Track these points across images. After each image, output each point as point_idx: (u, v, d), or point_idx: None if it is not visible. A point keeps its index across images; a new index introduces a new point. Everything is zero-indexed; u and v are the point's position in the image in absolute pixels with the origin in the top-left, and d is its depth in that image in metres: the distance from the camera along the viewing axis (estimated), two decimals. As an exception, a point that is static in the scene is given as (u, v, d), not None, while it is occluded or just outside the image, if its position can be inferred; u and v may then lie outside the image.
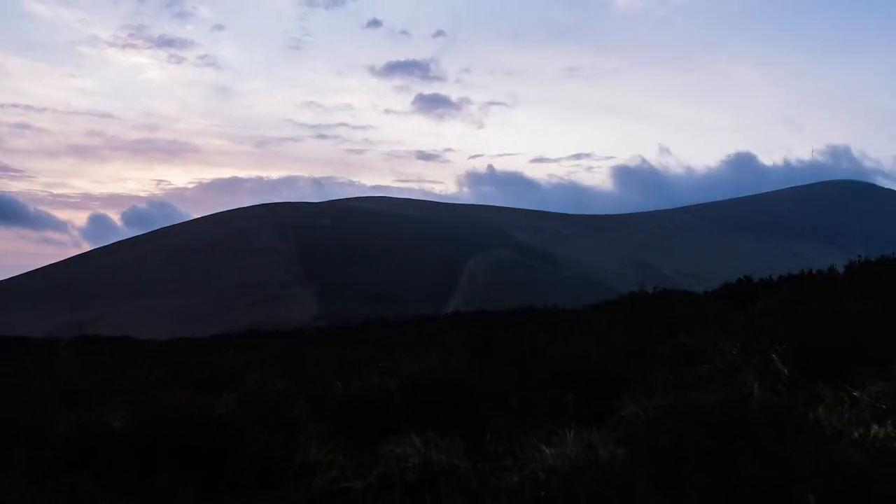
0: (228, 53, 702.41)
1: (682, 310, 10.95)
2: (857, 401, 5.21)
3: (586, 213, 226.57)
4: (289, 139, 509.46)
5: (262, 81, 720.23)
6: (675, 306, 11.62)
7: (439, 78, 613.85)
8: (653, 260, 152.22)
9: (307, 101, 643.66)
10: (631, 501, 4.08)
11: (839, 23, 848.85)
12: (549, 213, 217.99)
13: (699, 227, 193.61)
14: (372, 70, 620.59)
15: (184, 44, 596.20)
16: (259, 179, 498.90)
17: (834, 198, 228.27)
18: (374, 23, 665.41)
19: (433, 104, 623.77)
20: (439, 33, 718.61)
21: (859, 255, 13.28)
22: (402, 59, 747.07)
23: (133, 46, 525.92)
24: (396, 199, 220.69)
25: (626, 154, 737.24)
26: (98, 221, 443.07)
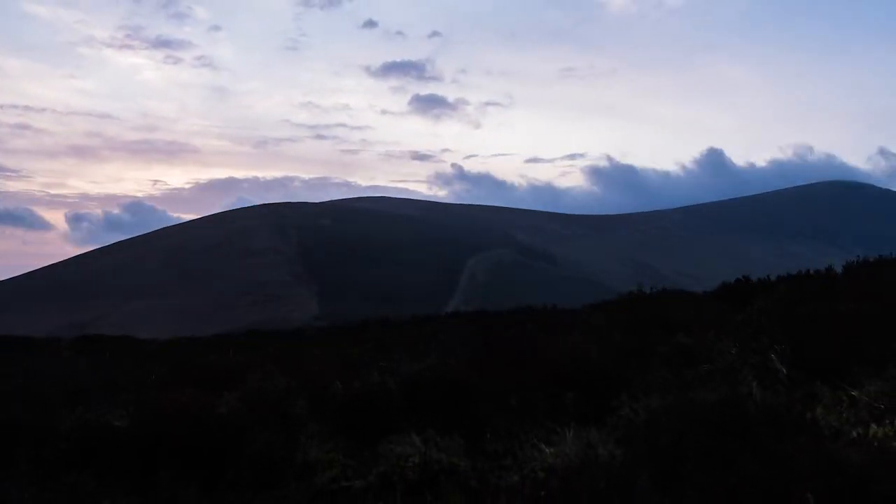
0: (225, 54, 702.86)
1: (681, 310, 10.96)
2: (856, 400, 5.22)
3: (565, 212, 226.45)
4: (287, 139, 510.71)
5: (259, 82, 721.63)
6: (674, 306, 11.63)
7: (435, 78, 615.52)
8: (652, 260, 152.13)
9: (305, 102, 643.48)
10: (631, 501, 4.09)
11: (835, 23, 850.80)
12: (549, 213, 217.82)
13: (698, 228, 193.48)
14: (368, 70, 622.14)
15: (181, 44, 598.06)
16: (258, 180, 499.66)
17: (833, 198, 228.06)
18: (370, 23, 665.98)
19: (430, 105, 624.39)
20: (435, 34, 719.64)
21: (858, 256, 13.29)
22: (399, 59, 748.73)
23: (130, 47, 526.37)
24: (397, 199, 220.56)
25: (620, 154, 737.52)
26: (95, 221, 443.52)
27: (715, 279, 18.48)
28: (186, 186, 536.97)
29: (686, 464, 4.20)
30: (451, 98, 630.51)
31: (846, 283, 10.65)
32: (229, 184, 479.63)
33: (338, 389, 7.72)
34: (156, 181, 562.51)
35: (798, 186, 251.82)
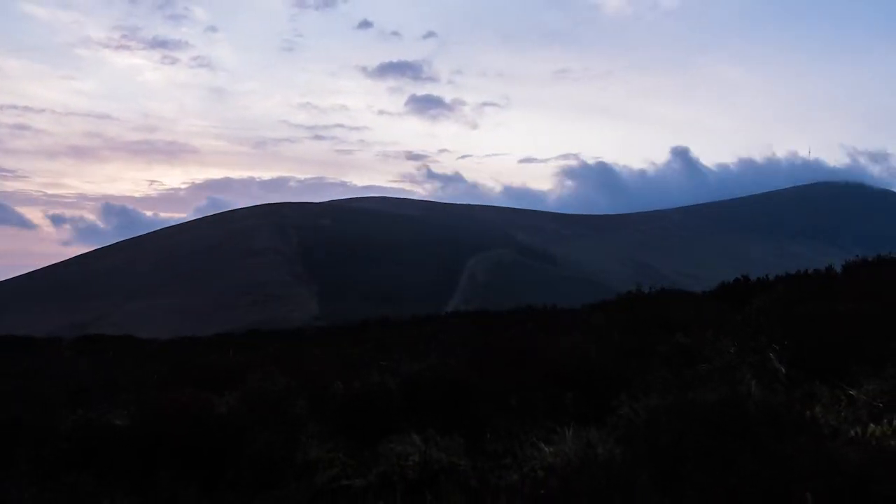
0: (222, 55, 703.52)
1: (681, 309, 10.97)
2: (854, 399, 5.24)
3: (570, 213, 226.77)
4: (285, 140, 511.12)
5: (257, 82, 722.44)
6: (674, 306, 11.64)
7: (432, 79, 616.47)
8: (651, 260, 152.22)
9: (303, 103, 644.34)
10: (630, 500, 4.09)
11: (832, 24, 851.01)
12: (549, 213, 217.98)
13: (697, 228, 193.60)
14: (365, 71, 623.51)
15: (177, 45, 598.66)
16: (257, 181, 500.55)
17: (832, 198, 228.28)
18: (365, 24, 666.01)
19: (427, 105, 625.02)
20: (430, 34, 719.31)
21: (857, 255, 13.31)
22: (395, 60, 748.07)
23: (126, 48, 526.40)
24: (397, 199, 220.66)
25: (613, 155, 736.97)
26: (92, 222, 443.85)
27: (714, 279, 18.50)
28: (183, 187, 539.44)
29: (686, 463, 4.21)
30: (447, 99, 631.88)
31: (845, 283, 10.67)
32: (231, 184, 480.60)
33: (338, 389, 7.73)
34: (152, 181, 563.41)
35: (797, 186, 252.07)
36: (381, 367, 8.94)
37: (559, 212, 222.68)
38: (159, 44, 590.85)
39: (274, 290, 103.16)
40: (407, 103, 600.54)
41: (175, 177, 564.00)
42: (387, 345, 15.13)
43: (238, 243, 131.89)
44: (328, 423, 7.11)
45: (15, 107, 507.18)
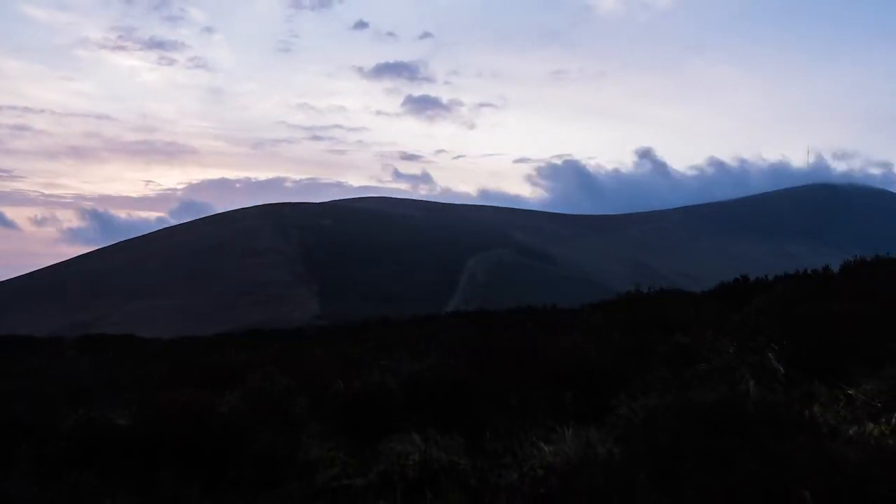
0: (219, 56, 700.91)
1: (680, 309, 10.98)
2: (852, 399, 5.26)
3: (581, 213, 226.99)
4: (283, 141, 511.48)
5: (254, 83, 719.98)
6: (673, 306, 11.65)
7: (428, 80, 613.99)
8: (650, 260, 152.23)
9: (300, 104, 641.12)
10: (630, 499, 4.11)
11: (827, 25, 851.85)
12: (548, 213, 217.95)
13: (696, 228, 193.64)
14: (361, 72, 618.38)
15: (174, 45, 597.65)
16: (257, 181, 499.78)
17: (830, 198, 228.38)
18: (361, 24, 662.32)
19: (424, 106, 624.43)
20: (426, 35, 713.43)
21: (855, 255, 13.34)
22: (391, 61, 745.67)
23: (123, 48, 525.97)
24: (397, 199, 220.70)
25: (606, 155, 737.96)
26: (90, 222, 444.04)
27: (713, 279, 18.50)
28: (179, 187, 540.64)
29: (685, 462, 4.22)
30: (444, 99, 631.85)
31: (843, 283, 10.69)
32: (230, 185, 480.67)
33: (339, 389, 7.75)
34: (148, 182, 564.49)
35: (796, 187, 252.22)
36: (381, 367, 8.96)
37: (556, 212, 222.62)
38: (156, 44, 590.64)
39: (275, 290, 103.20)
40: (404, 104, 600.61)
41: (173, 177, 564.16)
42: (387, 344, 15.16)
43: (239, 243, 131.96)
44: (329, 423, 7.14)
45: (14, 107, 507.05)
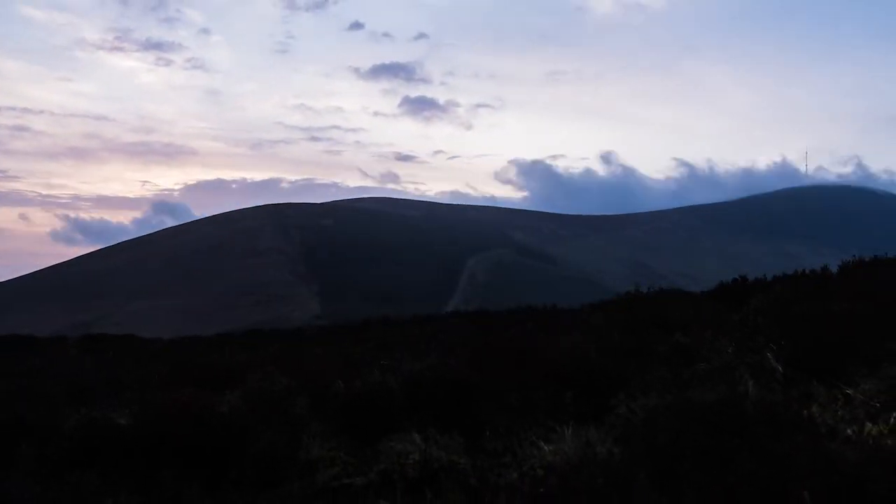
0: (216, 57, 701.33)
1: (679, 309, 11.00)
2: (851, 399, 5.27)
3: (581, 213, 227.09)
4: (282, 141, 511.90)
5: (251, 84, 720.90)
6: (672, 306, 11.67)
7: (424, 80, 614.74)
8: (649, 260, 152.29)
9: (298, 104, 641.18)
10: (629, 498, 4.12)
11: (822, 26, 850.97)
12: (548, 213, 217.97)
13: (695, 228, 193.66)
14: (358, 73, 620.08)
15: (171, 46, 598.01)
16: (256, 182, 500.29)
17: (828, 199, 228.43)
18: (356, 25, 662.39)
19: (421, 107, 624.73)
20: (421, 35, 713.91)
21: (853, 255, 13.36)
22: (387, 61, 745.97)
23: (120, 49, 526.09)
24: (397, 199, 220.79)
25: (600, 154, 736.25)
26: (88, 222, 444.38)
27: (712, 279, 18.53)
28: (176, 187, 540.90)
29: (684, 462, 4.23)
30: (441, 100, 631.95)
31: (841, 283, 10.71)
32: (229, 185, 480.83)
33: (339, 388, 7.77)
34: (144, 182, 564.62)
35: (795, 188, 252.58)
36: (382, 367, 8.97)
37: (556, 212, 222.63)
38: (153, 45, 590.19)
39: (275, 290, 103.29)
40: (401, 105, 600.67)
41: (172, 177, 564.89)
42: (388, 344, 15.18)
43: (241, 243, 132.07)
44: (330, 422, 7.16)
45: (14, 108, 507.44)
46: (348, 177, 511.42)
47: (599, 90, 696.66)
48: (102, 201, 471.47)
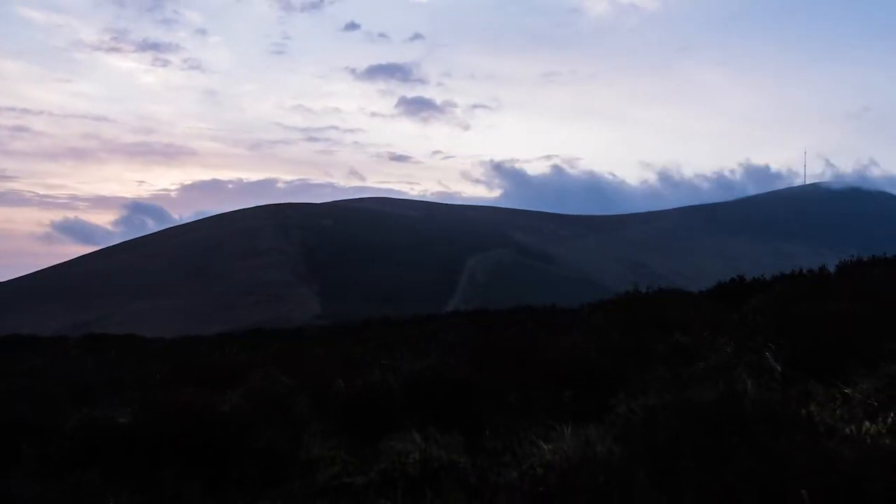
0: (213, 57, 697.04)
1: (678, 309, 11.02)
2: (849, 398, 5.28)
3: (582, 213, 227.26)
4: (280, 142, 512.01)
5: (249, 85, 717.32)
6: (671, 306, 11.69)
7: (421, 81, 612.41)
8: (649, 260, 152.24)
9: (295, 105, 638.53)
10: (628, 497, 4.14)
11: (819, 27, 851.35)
12: (547, 213, 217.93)
13: (694, 228, 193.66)
14: (354, 73, 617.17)
15: (168, 47, 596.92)
16: (255, 182, 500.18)
17: (827, 199, 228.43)
18: (352, 25, 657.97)
19: (418, 107, 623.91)
20: (417, 36, 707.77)
21: (852, 256, 13.37)
22: (384, 62, 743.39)
23: (117, 50, 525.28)
24: (397, 199, 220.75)
25: (601, 156, 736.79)
26: (87, 222, 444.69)
27: (710, 279, 18.53)
28: (172, 188, 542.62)
29: (683, 461, 4.25)
30: (438, 101, 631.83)
31: (839, 283, 10.72)
32: (228, 185, 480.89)
33: (340, 388, 7.79)
34: (141, 182, 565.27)
35: (793, 188, 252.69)
36: (382, 366, 9.00)
37: (555, 212, 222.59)
38: (150, 46, 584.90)
39: (276, 290, 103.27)
40: (398, 105, 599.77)
41: (170, 178, 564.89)
42: (388, 344, 15.20)
43: (241, 243, 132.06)
44: (330, 422, 7.18)
45: (13, 109, 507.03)
46: (345, 177, 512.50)
47: (595, 91, 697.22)
48: (101, 201, 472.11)
